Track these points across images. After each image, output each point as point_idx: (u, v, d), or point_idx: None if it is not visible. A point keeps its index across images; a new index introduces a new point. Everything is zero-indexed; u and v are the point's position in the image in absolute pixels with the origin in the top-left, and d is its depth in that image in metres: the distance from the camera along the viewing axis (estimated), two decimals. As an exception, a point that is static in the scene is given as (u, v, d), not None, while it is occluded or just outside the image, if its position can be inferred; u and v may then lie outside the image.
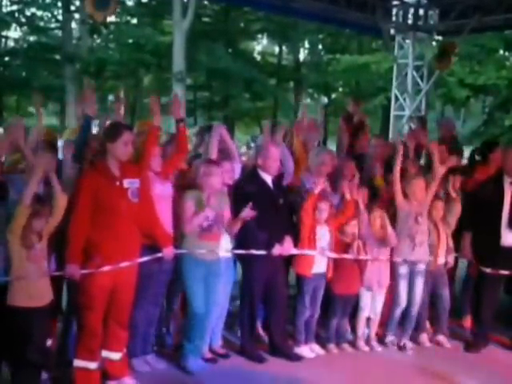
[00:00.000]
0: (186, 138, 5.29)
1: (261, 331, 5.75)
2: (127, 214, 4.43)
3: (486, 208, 5.81)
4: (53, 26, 28.27)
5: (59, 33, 27.25)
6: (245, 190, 5.27)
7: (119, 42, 25.39)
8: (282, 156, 5.53)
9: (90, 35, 26.83)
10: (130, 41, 24.99)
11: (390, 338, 5.94)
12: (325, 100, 31.65)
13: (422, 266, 5.82)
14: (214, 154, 5.30)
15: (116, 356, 4.63)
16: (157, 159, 4.94)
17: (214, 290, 5.03)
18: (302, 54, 32.23)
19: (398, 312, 5.88)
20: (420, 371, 5.38)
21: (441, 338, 6.05)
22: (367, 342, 5.85)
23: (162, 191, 4.91)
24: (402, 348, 5.88)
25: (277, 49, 31.98)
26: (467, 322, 6.45)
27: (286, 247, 5.32)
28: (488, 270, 5.80)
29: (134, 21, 27.23)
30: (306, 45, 31.82)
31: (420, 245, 5.75)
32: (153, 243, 4.70)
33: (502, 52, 25.44)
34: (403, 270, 5.79)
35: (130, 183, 4.47)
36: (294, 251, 5.42)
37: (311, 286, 5.53)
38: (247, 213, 4.96)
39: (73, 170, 4.71)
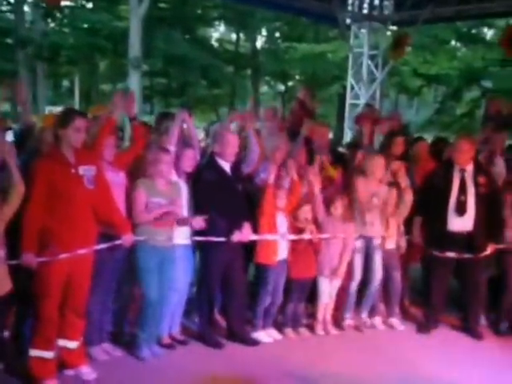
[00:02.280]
0: (140, 133, 5.26)
1: (218, 317, 5.76)
2: (83, 201, 4.37)
3: (435, 194, 5.94)
4: (4, 8, 27.47)
5: (11, 16, 26.50)
6: (203, 178, 5.26)
7: (74, 27, 24.83)
8: (247, 143, 5.55)
9: (44, 19, 26.15)
10: (85, 25, 24.49)
11: (348, 322, 6.02)
12: (282, 88, 31.71)
13: (377, 241, 5.93)
14: (173, 141, 5.25)
15: (73, 345, 4.58)
16: (110, 149, 4.88)
17: (170, 277, 5.01)
18: (260, 42, 32.16)
19: (354, 287, 5.96)
20: (374, 353, 5.47)
21: (393, 320, 6.17)
22: (324, 326, 5.92)
23: (113, 179, 4.82)
24: (359, 328, 6.00)
25: (234, 36, 31.82)
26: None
27: (244, 233, 5.33)
28: (437, 254, 5.94)
29: (90, 5, 26.68)
30: (264, 32, 31.74)
31: (371, 224, 5.86)
32: (107, 230, 4.63)
33: (453, 43, 25.88)
34: (358, 244, 5.89)
35: (86, 170, 4.40)
36: (253, 237, 5.44)
37: (274, 274, 5.57)
38: (198, 223, 5.01)
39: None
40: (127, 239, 4.71)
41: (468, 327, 6.08)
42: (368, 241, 5.94)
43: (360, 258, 5.94)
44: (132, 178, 5.02)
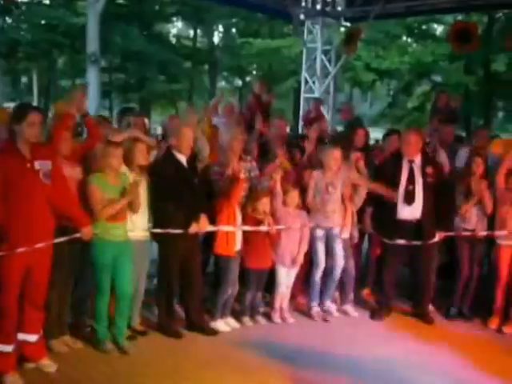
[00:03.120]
0: (94, 128, 5.22)
1: (177, 308, 5.75)
2: (39, 196, 4.30)
3: (385, 184, 6.03)
4: (-40, 5, 26.75)
5: (-32, 12, 25.81)
6: (160, 171, 5.25)
7: (31, 23, 24.31)
8: (196, 139, 5.55)
9: (1, 15, 25.54)
10: (43, 22, 24.01)
11: (315, 310, 6.07)
12: (239, 82, 31.69)
13: (337, 229, 6.00)
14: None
15: (32, 338, 4.51)
16: (67, 144, 4.82)
17: (127, 271, 4.98)
18: (217, 38, 32.07)
19: (318, 275, 6.01)
20: (329, 339, 5.55)
21: (347, 307, 6.26)
22: (281, 313, 5.97)
23: (70, 173, 4.76)
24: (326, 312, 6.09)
25: (192, 32, 31.64)
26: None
27: (202, 225, 5.33)
28: (387, 242, 6.04)
29: (47, 1, 26.15)
30: (221, 28, 31.65)
31: (332, 213, 5.92)
32: (64, 224, 4.58)
33: (404, 38, 26.20)
34: (319, 233, 5.96)
35: (42, 165, 4.32)
36: (210, 228, 5.44)
37: (233, 265, 5.59)
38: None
39: None
40: (86, 233, 4.66)
41: (419, 313, 6.20)
42: (328, 230, 6.00)
43: (322, 247, 6.00)
44: (85, 171, 4.97)
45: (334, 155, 5.97)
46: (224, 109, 7.37)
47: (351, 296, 6.33)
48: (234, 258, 5.58)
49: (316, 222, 5.93)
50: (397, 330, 5.87)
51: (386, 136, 7.15)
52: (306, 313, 6.10)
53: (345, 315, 6.20)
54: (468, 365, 5.05)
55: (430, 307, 6.33)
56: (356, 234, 6.22)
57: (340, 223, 6.02)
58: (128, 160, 5.08)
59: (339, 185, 5.98)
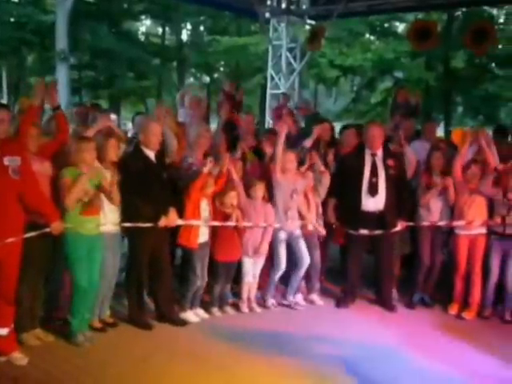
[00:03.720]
0: (64, 123, 5.16)
1: (147, 299, 5.73)
2: (9, 192, 4.24)
3: (349, 177, 6.10)
4: None
5: None
6: (129, 166, 5.21)
7: (0, 21, 23.87)
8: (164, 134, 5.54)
9: (-31, 13, 25.00)
10: (12, 19, 23.57)
11: (271, 301, 6.11)
12: (207, 79, 31.55)
13: (297, 231, 6.04)
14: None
15: (3, 331, 4.46)
16: (35, 139, 4.76)
17: (99, 264, 4.95)
18: (185, 35, 31.85)
19: (277, 276, 6.06)
20: (296, 327, 5.59)
21: (313, 296, 6.31)
22: (248, 304, 5.99)
23: (39, 169, 4.71)
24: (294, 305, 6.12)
25: (160, 30, 31.40)
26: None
27: (171, 219, 5.32)
28: (352, 232, 6.10)
29: (15, -1, 25.70)
30: (189, 26, 31.46)
31: (293, 218, 5.96)
32: (36, 219, 4.53)
33: (367, 36, 26.37)
34: (282, 235, 5.97)
35: (11, 161, 4.27)
36: (179, 222, 5.43)
37: (199, 256, 5.58)
38: None
39: None
40: (56, 227, 4.61)
41: (382, 300, 6.29)
42: (289, 233, 6.03)
43: (283, 249, 6.02)
44: (57, 167, 4.91)
45: (288, 158, 5.99)
46: (191, 102, 7.34)
47: (317, 286, 6.39)
48: (196, 250, 5.56)
49: (278, 223, 5.93)
50: (361, 317, 5.94)
51: (342, 130, 7.22)
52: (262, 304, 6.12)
53: (311, 304, 6.25)
54: (429, 349, 5.14)
55: (395, 295, 6.42)
56: (322, 228, 6.24)
57: (298, 227, 6.04)
58: (100, 156, 5.03)
59: (300, 186, 6.01)
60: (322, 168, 6.23)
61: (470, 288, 6.08)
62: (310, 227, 6.15)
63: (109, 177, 4.98)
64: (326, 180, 6.21)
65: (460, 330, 5.69)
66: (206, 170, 5.46)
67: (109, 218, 5.08)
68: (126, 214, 5.20)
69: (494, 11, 23.52)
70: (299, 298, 6.27)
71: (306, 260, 6.03)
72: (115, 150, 5.19)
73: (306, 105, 10.08)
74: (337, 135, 7.37)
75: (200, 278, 5.61)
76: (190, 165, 5.78)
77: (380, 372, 4.65)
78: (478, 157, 6.22)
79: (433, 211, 6.19)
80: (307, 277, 6.28)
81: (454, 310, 6.14)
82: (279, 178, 5.97)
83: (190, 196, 5.49)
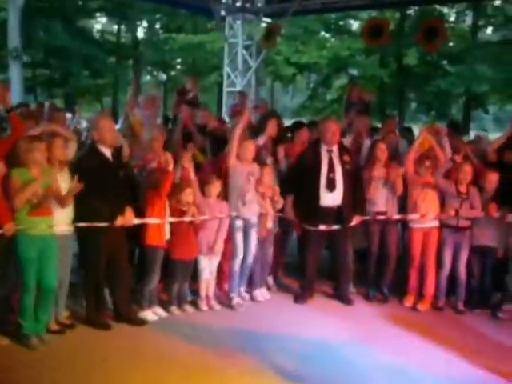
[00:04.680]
0: (18, 123, 5.05)
1: (107, 299, 5.64)
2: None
3: (306, 173, 6.13)
4: None
5: None
6: (84, 165, 5.12)
7: (-51, 19, 23.18)
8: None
9: None
10: (-38, 17, 22.95)
11: (236, 300, 6.06)
12: (163, 77, 31.30)
13: (254, 219, 6.03)
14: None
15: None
16: None
17: (54, 265, 4.85)
18: (141, 33, 31.52)
19: (237, 264, 6.03)
20: (256, 323, 5.60)
21: (256, 292, 6.29)
22: (207, 301, 5.97)
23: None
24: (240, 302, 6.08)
25: (115, 27, 31.00)
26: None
27: (127, 218, 5.25)
28: (310, 228, 6.14)
29: (-35, -4, 24.98)
30: (144, 24, 31.14)
31: (250, 203, 5.95)
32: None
33: (322, 34, 26.56)
34: (238, 223, 5.97)
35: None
36: (136, 221, 5.37)
37: (161, 255, 5.55)
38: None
39: None
40: (7, 228, 4.50)
41: (339, 295, 6.34)
42: (246, 220, 6.04)
43: (240, 237, 6.02)
44: (9, 166, 4.79)
45: (247, 146, 6.00)
46: (145, 101, 7.26)
47: (264, 282, 6.41)
48: (163, 248, 5.53)
49: (234, 211, 5.93)
50: (319, 312, 5.98)
51: (294, 127, 7.26)
52: (226, 303, 6.08)
53: (269, 300, 6.27)
54: (384, 342, 5.21)
55: (352, 289, 6.48)
56: (273, 225, 6.26)
57: (257, 213, 6.05)
58: (47, 155, 4.92)
59: (256, 173, 6.01)
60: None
61: (424, 280, 6.19)
62: (270, 224, 6.14)
63: (61, 178, 4.86)
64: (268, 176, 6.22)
65: (414, 321, 5.78)
66: (170, 168, 5.43)
67: (61, 219, 4.97)
68: (82, 213, 5.10)
69: (445, 10, 24.02)
70: (257, 293, 6.27)
71: (252, 250, 6.05)
72: (62, 150, 5.06)
73: (264, 104, 10.12)
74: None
75: (158, 278, 5.57)
76: (142, 163, 5.74)
77: (337, 365, 4.69)
78: (431, 152, 6.33)
79: (378, 203, 6.27)
80: (258, 272, 6.29)
81: (409, 302, 6.24)
82: (234, 163, 5.97)
83: (159, 194, 5.45)
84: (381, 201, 6.27)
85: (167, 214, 5.56)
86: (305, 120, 9.48)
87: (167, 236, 5.59)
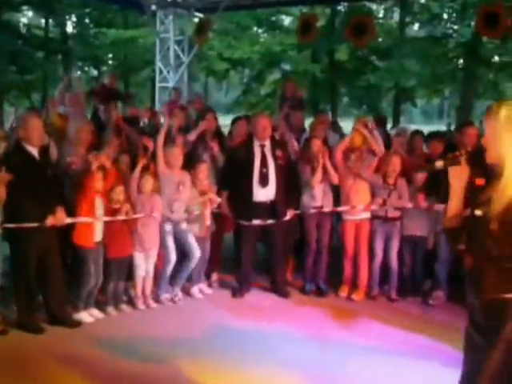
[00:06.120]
0: None
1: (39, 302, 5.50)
2: None
3: (239, 168, 6.15)
4: None
5: None
6: (10, 164, 4.94)
7: None
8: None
9: None
10: None
11: (164, 296, 6.05)
12: (94, 72, 30.67)
13: (184, 226, 6.01)
14: None
15: None
16: None
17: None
18: (70, 27, 30.71)
19: (169, 269, 6.00)
20: (193, 319, 5.57)
21: (194, 289, 6.28)
22: (144, 300, 5.90)
23: None
24: (174, 300, 6.04)
25: (43, 21, 30.08)
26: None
27: (59, 217, 5.12)
28: (244, 223, 6.16)
29: None
30: (73, 18, 30.36)
31: (177, 210, 5.93)
32: None
33: (255, 29, 26.68)
34: (168, 227, 5.93)
35: None
36: (68, 221, 5.24)
37: (94, 255, 5.43)
38: None
39: None
40: None
41: (276, 288, 6.39)
42: (175, 224, 6.00)
43: (171, 241, 5.97)
44: None
45: (172, 153, 5.96)
46: (69, 99, 7.09)
47: (212, 277, 6.45)
48: (93, 248, 5.42)
49: (165, 215, 5.89)
50: (256, 306, 6.02)
51: (234, 122, 7.28)
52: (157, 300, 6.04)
53: (207, 296, 6.28)
54: (319, 332, 5.29)
55: (288, 282, 6.55)
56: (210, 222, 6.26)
57: (183, 217, 6.02)
58: None
59: (188, 182, 5.99)
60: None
61: (357, 271, 6.33)
62: (208, 222, 6.13)
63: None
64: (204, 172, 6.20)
65: (349, 310, 5.91)
66: (94, 166, 5.31)
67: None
68: (9, 214, 4.94)
69: (374, 6, 24.57)
70: (195, 290, 6.25)
71: (195, 252, 6.01)
72: None
73: (199, 98, 10.06)
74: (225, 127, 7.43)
75: (94, 278, 5.46)
76: (70, 162, 5.61)
77: (274, 357, 4.71)
78: (364, 145, 6.46)
79: (316, 196, 6.36)
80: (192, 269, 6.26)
81: (344, 292, 6.36)
82: (163, 169, 5.93)
83: (85, 194, 5.32)
84: (318, 194, 6.35)
85: (98, 213, 5.44)
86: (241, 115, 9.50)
87: (98, 237, 5.46)
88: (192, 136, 6.41)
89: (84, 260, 5.42)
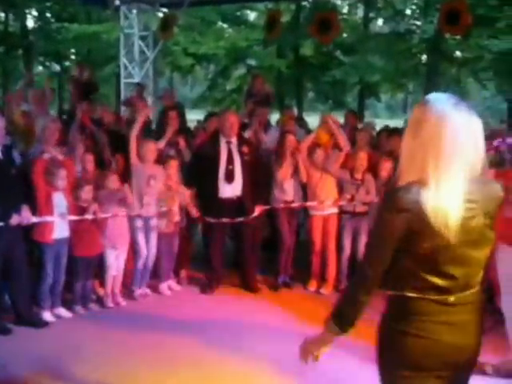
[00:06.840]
0: None
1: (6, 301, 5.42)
2: None
3: (205, 165, 6.17)
4: None
5: None
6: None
7: None
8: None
9: None
10: None
11: (137, 292, 6.04)
12: (57, 68, 30.17)
13: (154, 222, 6.00)
14: None
15: None
16: None
17: None
18: (30, 22, 30.13)
19: (140, 263, 6.00)
20: (162, 318, 5.56)
21: (162, 286, 6.29)
22: (113, 298, 5.87)
23: None
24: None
25: (2, 15, 29.48)
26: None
27: (24, 216, 5.05)
28: (212, 220, 6.18)
29: None
30: (34, 12, 29.80)
31: (148, 204, 5.90)
32: None
33: (220, 24, 26.58)
34: (139, 223, 5.91)
35: None
36: (34, 219, 5.18)
37: (53, 252, 5.35)
38: None
39: None
40: None
41: (246, 284, 6.42)
42: (146, 220, 5.98)
43: (142, 236, 5.98)
44: None
45: (148, 147, 5.95)
46: (32, 96, 6.99)
47: (181, 274, 6.47)
48: (51, 244, 5.34)
49: (135, 211, 5.87)
50: (226, 302, 6.05)
51: (206, 118, 7.28)
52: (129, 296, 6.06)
53: (175, 292, 6.29)
54: (294, 322, 5.35)
55: (258, 278, 6.58)
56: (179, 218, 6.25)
57: (155, 213, 6.01)
58: None
59: (159, 174, 5.97)
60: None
61: (326, 265, 6.40)
62: (177, 218, 6.13)
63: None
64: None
65: (319, 304, 5.96)
66: (46, 155, 5.25)
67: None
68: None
69: (338, 2, 24.74)
70: (163, 287, 6.25)
71: (153, 251, 6.03)
72: None
73: (170, 94, 10.00)
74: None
75: (51, 275, 5.37)
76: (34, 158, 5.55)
77: (244, 353, 4.74)
78: (330, 141, 6.53)
79: (287, 192, 6.41)
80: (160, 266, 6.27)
81: (312, 286, 6.44)
82: (136, 163, 5.92)
83: (37, 187, 5.26)
84: (289, 190, 6.39)
85: (61, 210, 5.37)
86: (206, 111, 9.52)
87: (59, 234, 5.38)
88: (161, 144, 6.34)
89: (41, 255, 5.35)
